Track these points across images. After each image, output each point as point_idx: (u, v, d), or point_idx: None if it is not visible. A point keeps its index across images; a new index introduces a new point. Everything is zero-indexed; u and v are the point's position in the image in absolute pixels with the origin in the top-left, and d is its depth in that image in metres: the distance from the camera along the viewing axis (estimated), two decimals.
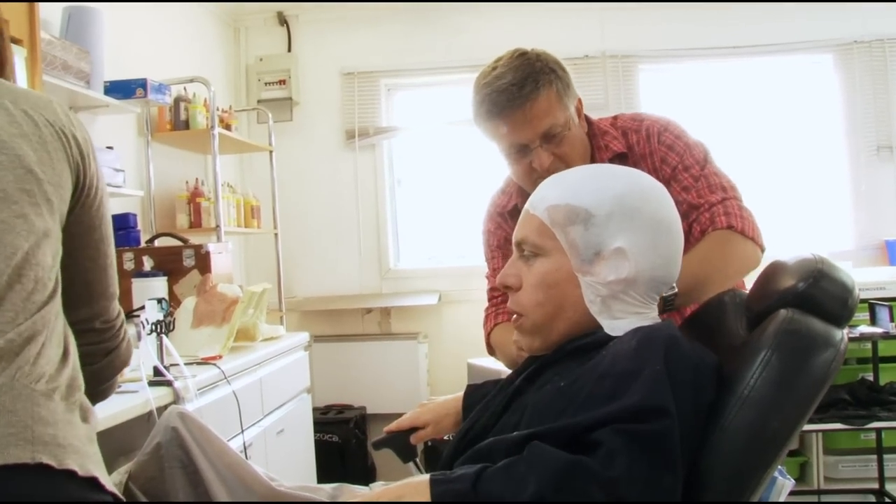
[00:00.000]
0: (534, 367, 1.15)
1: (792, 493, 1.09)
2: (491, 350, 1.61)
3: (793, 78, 4.03)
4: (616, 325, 1.09)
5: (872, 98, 3.85)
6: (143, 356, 1.82)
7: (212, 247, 2.60)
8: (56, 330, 0.91)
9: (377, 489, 1.11)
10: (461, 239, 4.01)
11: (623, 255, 1.08)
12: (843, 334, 1.01)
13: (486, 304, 1.66)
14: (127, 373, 1.62)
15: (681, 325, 1.27)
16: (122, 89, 2.63)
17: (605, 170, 1.19)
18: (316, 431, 3.25)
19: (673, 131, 1.51)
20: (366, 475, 3.67)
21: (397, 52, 4.07)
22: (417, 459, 1.50)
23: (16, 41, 1.87)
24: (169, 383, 1.84)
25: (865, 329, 2.92)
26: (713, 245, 1.38)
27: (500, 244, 1.63)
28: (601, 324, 1.10)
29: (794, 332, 0.99)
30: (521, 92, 1.38)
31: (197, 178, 3.30)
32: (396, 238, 4.21)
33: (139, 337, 1.84)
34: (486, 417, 1.16)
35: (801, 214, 3.98)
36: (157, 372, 1.87)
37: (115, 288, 1.10)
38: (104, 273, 1.07)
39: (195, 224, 3.17)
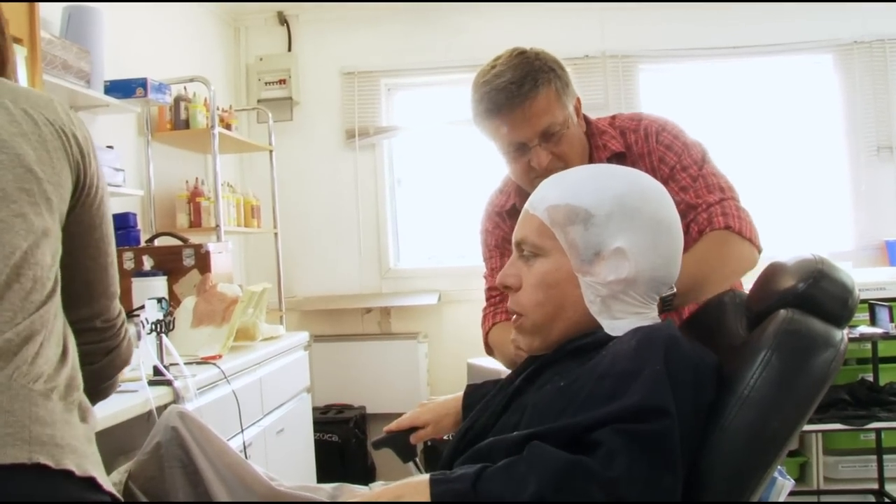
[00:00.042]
0: (534, 367, 1.15)
1: (792, 493, 1.09)
2: (489, 350, 1.61)
3: (793, 78, 4.03)
4: (616, 325, 1.09)
5: (872, 98, 3.85)
6: (142, 355, 1.82)
7: (212, 246, 2.60)
8: (55, 329, 0.91)
9: (377, 489, 1.11)
10: (461, 239, 4.00)
11: (623, 256, 1.08)
12: (843, 334, 1.01)
13: (484, 304, 1.66)
14: (127, 372, 1.62)
15: (681, 326, 1.27)
16: (122, 89, 2.62)
17: (605, 170, 1.19)
18: (316, 431, 3.25)
19: (671, 131, 1.51)
20: (365, 475, 3.67)
21: (397, 51, 4.07)
22: (417, 459, 1.50)
23: (16, 40, 1.86)
24: (169, 383, 1.84)
25: (865, 329, 2.92)
26: (711, 245, 1.38)
27: (498, 243, 1.63)
28: (601, 324, 1.10)
29: (794, 333, 0.99)
30: (521, 90, 1.38)
31: (197, 178, 3.30)
32: (396, 238, 4.21)
33: (139, 336, 1.84)
34: (485, 417, 1.16)
35: (801, 214, 3.98)
36: (156, 371, 1.87)
37: (116, 287, 1.10)
38: (105, 272, 1.07)
39: (195, 223, 3.17)
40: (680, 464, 0.90)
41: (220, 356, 2.19)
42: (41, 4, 2.09)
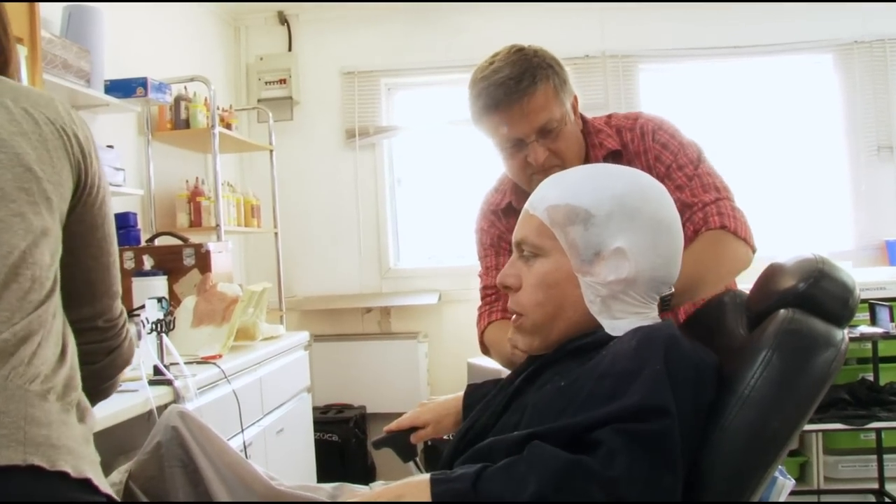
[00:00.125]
0: (534, 367, 1.15)
1: (792, 493, 1.09)
2: (484, 349, 1.61)
3: (793, 78, 4.03)
4: (616, 325, 1.09)
5: (872, 98, 3.85)
6: (143, 355, 1.82)
7: (212, 246, 2.60)
8: (53, 329, 0.91)
9: (377, 489, 1.11)
10: (461, 238, 4.00)
11: (623, 256, 1.08)
12: (843, 334, 1.01)
13: (480, 303, 1.66)
14: (127, 372, 1.62)
15: (681, 326, 1.27)
16: (122, 88, 2.62)
17: (604, 170, 1.19)
18: (316, 431, 3.25)
19: (667, 130, 1.51)
20: (366, 475, 3.68)
21: (397, 51, 4.07)
22: (417, 459, 1.50)
23: (16, 40, 1.86)
24: (169, 382, 1.84)
25: (865, 329, 2.92)
26: (707, 245, 1.38)
27: (494, 242, 1.63)
28: (601, 324, 1.10)
29: (794, 332, 0.99)
30: (519, 86, 1.38)
31: (197, 178, 3.30)
32: (396, 237, 4.21)
33: (139, 336, 1.84)
34: (486, 417, 1.16)
35: (801, 214, 3.98)
36: (157, 371, 1.87)
37: (118, 287, 1.10)
38: (107, 272, 1.07)
39: (195, 223, 3.17)
40: (680, 463, 0.90)
41: (220, 356, 2.20)
42: (41, 4, 2.09)
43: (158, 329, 1.90)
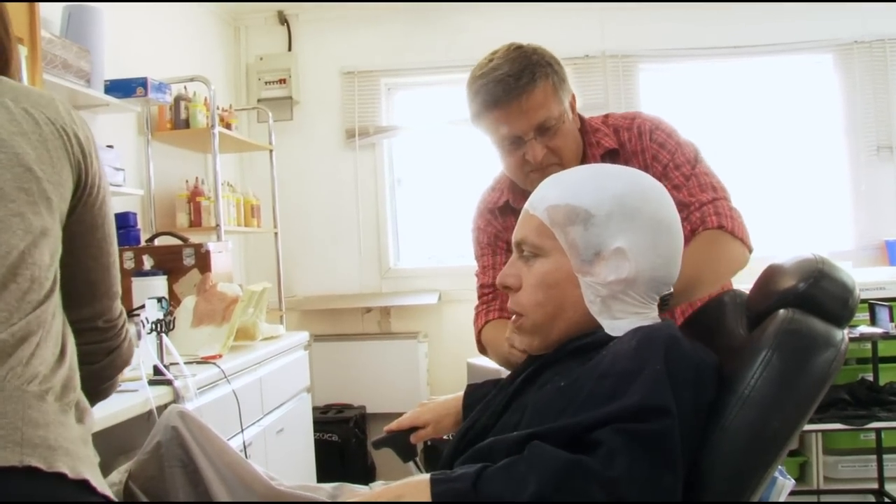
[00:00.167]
0: (534, 367, 1.15)
1: (791, 493, 1.09)
2: (481, 347, 1.61)
3: (793, 78, 4.03)
4: (616, 325, 1.09)
5: (872, 98, 3.85)
6: (143, 355, 1.82)
7: (212, 246, 2.60)
8: (53, 329, 0.91)
9: (377, 489, 1.11)
10: (461, 238, 3.98)
11: (623, 256, 1.08)
12: (843, 334, 1.01)
13: (476, 302, 1.66)
14: (127, 372, 1.62)
15: (681, 326, 1.27)
16: (122, 88, 2.63)
17: (604, 170, 1.19)
18: (316, 431, 3.25)
19: (665, 129, 1.52)
20: (366, 475, 3.68)
21: (397, 51, 4.07)
22: (417, 459, 1.50)
23: (16, 40, 1.86)
24: (169, 382, 1.84)
25: (865, 329, 2.92)
26: (704, 245, 1.38)
27: (490, 241, 1.63)
28: (601, 324, 1.10)
29: (794, 332, 0.99)
30: (518, 83, 1.39)
31: (197, 177, 3.30)
32: (396, 237, 4.21)
33: (139, 336, 1.84)
34: (486, 417, 1.16)
35: (801, 214, 3.98)
36: (157, 371, 1.87)
37: (118, 287, 1.10)
38: (107, 272, 1.06)
39: (195, 223, 3.17)
40: (680, 463, 0.90)
41: (220, 356, 2.19)
42: (41, 4, 2.09)
43: (158, 329, 1.90)
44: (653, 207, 1.11)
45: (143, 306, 1.97)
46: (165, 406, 1.64)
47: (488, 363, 1.60)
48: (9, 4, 1.05)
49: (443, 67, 3.99)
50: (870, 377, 3.11)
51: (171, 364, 1.92)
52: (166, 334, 1.93)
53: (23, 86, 0.99)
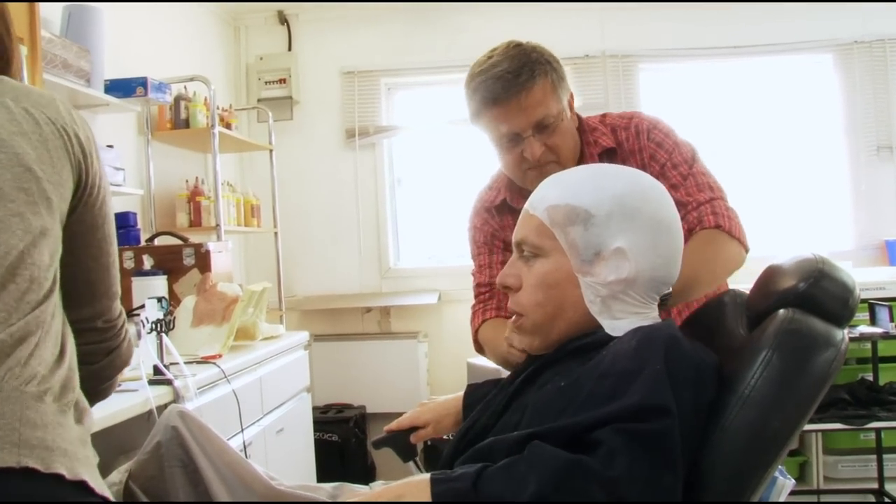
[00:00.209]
0: (534, 367, 1.15)
1: (791, 492, 1.09)
2: (478, 346, 1.61)
3: (793, 78, 4.03)
4: (616, 325, 1.09)
5: (872, 98, 3.85)
6: (143, 355, 1.82)
7: (212, 245, 2.60)
8: (52, 329, 0.91)
9: (378, 488, 1.11)
10: (461, 238, 3.98)
11: (623, 256, 1.08)
12: (843, 334, 1.01)
13: (473, 301, 1.66)
14: (127, 372, 1.62)
15: (681, 326, 1.27)
16: (122, 88, 2.63)
17: (605, 170, 1.19)
18: (315, 430, 3.25)
19: (662, 129, 1.52)
20: (365, 474, 3.68)
21: (397, 51, 4.07)
22: (417, 459, 1.50)
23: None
24: (169, 382, 1.84)
25: (865, 329, 2.92)
26: (702, 244, 1.38)
27: (487, 240, 1.63)
28: (601, 324, 1.10)
29: (794, 332, 0.99)
30: (518, 80, 1.39)
31: (197, 177, 3.30)
32: (396, 237, 4.21)
33: (139, 336, 1.84)
34: (486, 417, 1.16)
35: (801, 214, 3.98)
36: (157, 371, 1.87)
37: (118, 287, 1.10)
38: (107, 272, 1.06)
39: (195, 223, 3.17)
40: (680, 463, 0.90)
41: (220, 355, 2.19)
42: (41, 4, 2.09)
43: (158, 329, 1.90)
44: (653, 207, 1.11)
45: (143, 306, 1.97)
46: (165, 406, 1.64)
47: (488, 363, 1.60)
48: (8, 4, 1.05)
49: (443, 67, 3.99)
50: (870, 377, 3.11)
51: (171, 364, 1.92)
52: (166, 334, 1.93)
53: (23, 85, 0.99)
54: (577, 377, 1.02)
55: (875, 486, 3.16)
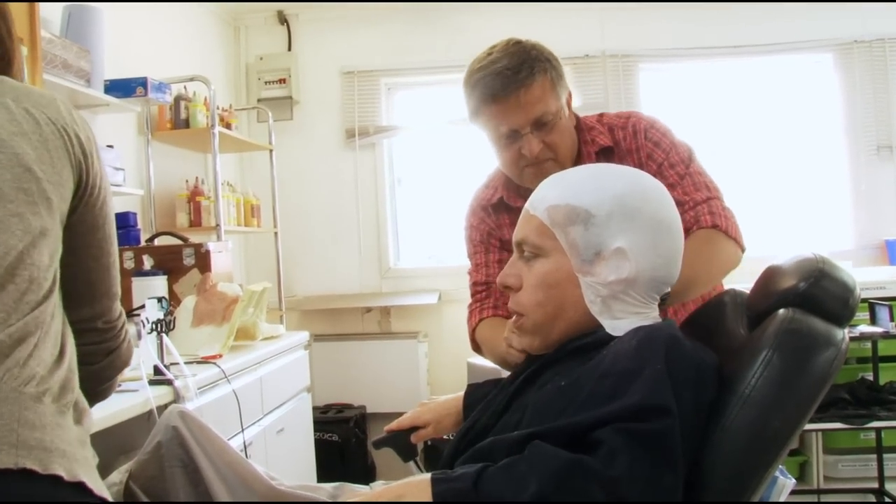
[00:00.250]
0: (534, 367, 1.15)
1: (791, 492, 1.09)
2: (475, 345, 1.60)
3: (793, 78, 4.03)
4: (617, 324, 1.09)
5: (872, 98, 3.85)
6: (143, 355, 1.82)
7: (212, 246, 2.60)
8: (51, 330, 0.91)
9: (378, 488, 1.11)
10: (461, 238, 3.99)
11: (623, 256, 1.08)
12: (844, 334, 1.01)
13: (470, 300, 1.65)
14: (127, 372, 1.62)
15: (681, 325, 1.27)
16: (122, 88, 2.62)
17: (605, 169, 1.19)
18: (316, 430, 3.25)
19: (659, 129, 1.53)
20: (366, 474, 3.68)
21: (397, 51, 4.07)
22: (418, 459, 1.50)
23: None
24: (169, 382, 1.84)
25: (865, 328, 2.92)
26: (700, 244, 1.38)
27: (483, 238, 1.63)
28: (602, 324, 1.10)
29: (795, 332, 0.99)
30: (517, 77, 1.39)
31: (197, 177, 3.30)
32: (396, 237, 4.21)
33: (139, 336, 1.84)
34: (486, 417, 1.16)
35: (801, 214, 3.98)
36: (157, 371, 1.87)
37: (118, 288, 1.10)
38: (107, 273, 1.06)
39: (195, 223, 3.17)
40: (681, 463, 0.90)
41: (220, 356, 2.19)
42: (41, 4, 2.09)
43: (158, 329, 1.90)
44: (653, 207, 1.11)
45: (143, 306, 1.97)
46: (166, 406, 1.64)
47: (488, 363, 1.60)
48: (8, 4, 1.05)
49: (443, 67, 3.98)
50: (870, 376, 3.11)
51: (172, 364, 1.92)
52: (166, 334, 1.92)
53: (24, 86, 0.99)
54: (578, 377, 1.02)
55: (875, 485, 3.16)
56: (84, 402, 0.95)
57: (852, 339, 2.92)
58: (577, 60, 3.90)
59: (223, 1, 3.92)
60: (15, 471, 0.78)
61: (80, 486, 0.83)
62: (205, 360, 2.14)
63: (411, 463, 1.48)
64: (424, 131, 4.19)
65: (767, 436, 0.95)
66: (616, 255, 1.08)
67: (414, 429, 1.46)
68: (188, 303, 2.35)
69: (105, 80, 2.57)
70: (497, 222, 1.61)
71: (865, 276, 3.22)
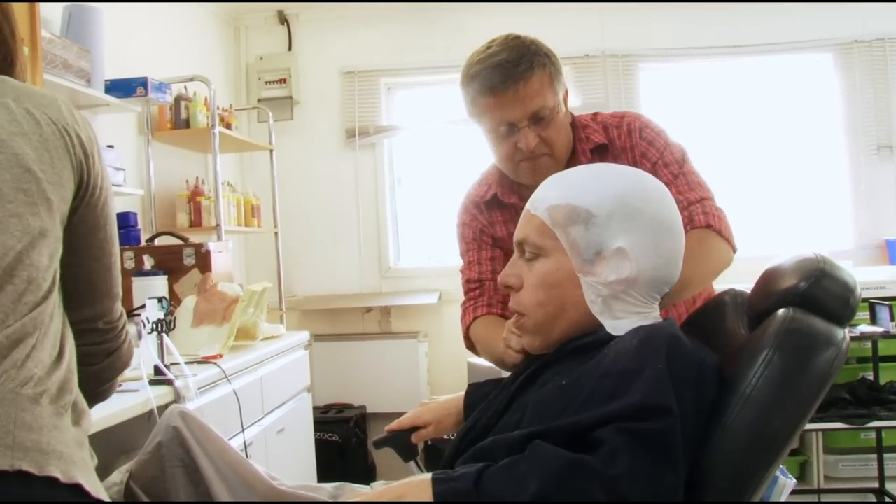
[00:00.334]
0: (535, 367, 1.15)
1: (792, 492, 1.09)
2: (469, 343, 1.60)
3: (793, 78, 4.03)
4: (617, 324, 1.09)
5: (872, 97, 3.85)
6: (143, 355, 1.82)
7: (212, 245, 2.60)
8: (50, 331, 0.90)
9: (378, 488, 1.11)
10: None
11: (624, 255, 1.08)
12: (844, 333, 1.01)
13: (463, 298, 1.65)
14: (128, 372, 1.62)
15: (681, 325, 1.27)
16: (122, 88, 2.63)
17: (606, 169, 1.19)
18: (316, 430, 3.25)
19: (654, 128, 1.54)
20: (366, 474, 3.68)
21: (397, 51, 4.07)
22: (418, 458, 1.50)
23: None
24: (170, 382, 1.84)
25: (866, 328, 2.92)
26: (694, 244, 1.38)
27: (476, 236, 1.64)
28: (603, 323, 1.10)
29: (795, 331, 0.99)
30: (517, 70, 1.39)
31: (197, 177, 3.30)
32: (396, 237, 4.21)
33: (140, 336, 1.84)
34: (487, 417, 1.16)
35: (801, 213, 3.98)
36: (157, 371, 1.87)
37: (119, 288, 1.09)
38: (108, 273, 1.06)
39: (195, 223, 3.17)
40: (682, 463, 0.90)
41: (220, 356, 2.19)
42: (41, 4, 2.09)
43: (159, 329, 1.90)
44: (654, 207, 1.11)
45: (143, 306, 1.97)
46: (166, 406, 1.64)
47: (488, 363, 1.60)
48: (9, 5, 1.05)
49: (443, 67, 3.98)
50: (870, 376, 3.11)
51: (172, 364, 1.92)
52: (167, 334, 1.93)
53: (25, 86, 0.98)
54: (578, 376, 1.02)
55: (875, 485, 3.16)
56: (83, 403, 0.95)
57: (853, 338, 2.91)
58: (577, 60, 3.90)
59: (223, 1, 3.92)
60: (11, 473, 0.77)
61: (77, 488, 0.83)
62: (205, 360, 2.14)
63: (412, 463, 1.48)
64: (424, 131, 4.19)
65: (768, 435, 0.95)
66: (617, 254, 1.08)
67: (414, 429, 1.46)
68: (188, 303, 2.35)
69: (105, 80, 2.57)
70: (490, 219, 1.61)
71: (865, 276, 3.22)
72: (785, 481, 1.07)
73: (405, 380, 3.81)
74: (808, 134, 4.01)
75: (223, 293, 2.32)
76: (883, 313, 2.89)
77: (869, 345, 3.10)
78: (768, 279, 1.11)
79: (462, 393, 1.45)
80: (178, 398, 1.82)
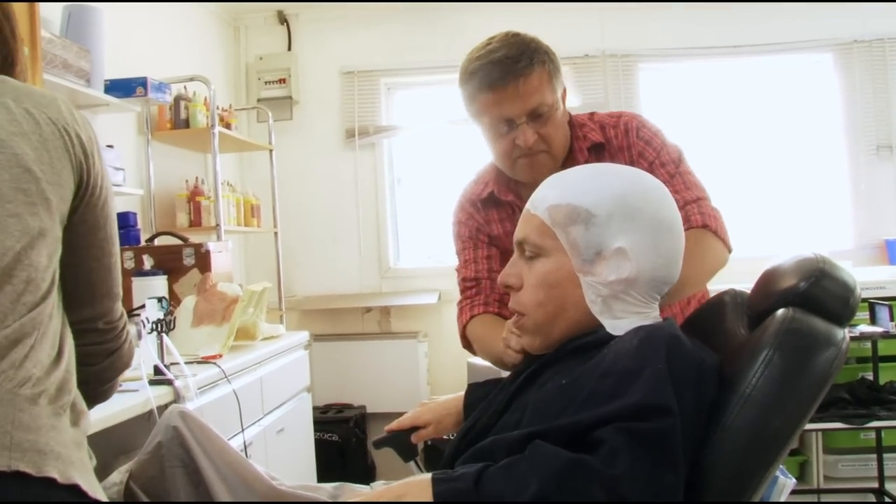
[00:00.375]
0: (535, 367, 1.15)
1: (791, 492, 1.09)
2: (466, 342, 1.60)
3: (793, 78, 4.03)
4: (617, 324, 1.09)
5: (872, 97, 3.85)
6: (143, 355, 1.82)
7: (212, 245, 2.60)
8: (49, 331, 0.90)
9: (378, 488, 1.11)
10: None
11: (624, 255, 1.08)
12: (844, 333, 1.01)
13: (459, 297, 1.65)
14: (127, 372, 1.62)
15: (681, 325, 1.27)
16: (122, 88, 2.62)
17: (606, 169, 1.19)
18: (316, 430, 3.25)
19: (651, 128, 1.54)
20: (366, 474, 3.68)
21: (397, 51, 4.07)
22: (418, 458, 1.50)
23: None
24: (169, 382, 1.84)
25: (865, 328, 2.92)
26: (690, 244, 1.38)
27: (472, 234, 1.64)
28: (602, 323, 1.10)
29: (795, 331, 0.99)
30: (516, 66, 1.40)
31: (197, 177, 3.30)
32: (396, 237, 4.21)
33: (139, 336, 1.84)
34: (487, 416, 1.16)
35: (801, 213, 3.98)
36: (157, 371, 1.87)
37: (119, 288, 1.09)
38: (108, 273, 1.06)
39: (195, 223, 3.17)
40: (682, 462, 0.90)
41: (220, 355, 2.20)
42: (41, 4, 2.09)
43: (158, 329, 1.90)
44: (654, 207, 1.11)
45: (143, 306, 1.97)
46: (166, 406, 1.64)
47: (488, 362, 1.59)
48: (9, 5, 1.04)
49: (443, 67, 3.97)
50: (870, 376, 3.11)
51: (172, 364, 1.92)
52: (167, 334, 1.93)
53: (25, 86, 0.98)
54: (578, 376, 1.02)
55: (875, 485, 3.16)
56: (82, 403, 0.95)
57: (852, 338, 2.92)
58: (576, 60, 3.90)
59: (223, 1, 3.92)
60: (8, 473, 0.77)
61: (75, 489, 0.83)
62: (205, 360, 2.14)
63: (412, 463, 1.48)
64: (424, 131, 4.19)
65: (768, 435, 0.95)
66: (617, 254, 1.08)
67: (414, 429, 1.46)
68: (188, 303, 2.35)
69: (105, 80, 2.57)
70: (486, 218, 1.61)
71: (865, 276, 3.22)
72: (785, 481, 1.07)
73: (405, 380, 3.81)
74: (807, 134, 4.01)
75: (223, 293, 2.32)
76: (882, 313, 2.89)
77: (869, 345, 3.10)
78: (768, 279, 1.11)
79: (462, 393, 1.45)
80: (177, 398, 1.82)
